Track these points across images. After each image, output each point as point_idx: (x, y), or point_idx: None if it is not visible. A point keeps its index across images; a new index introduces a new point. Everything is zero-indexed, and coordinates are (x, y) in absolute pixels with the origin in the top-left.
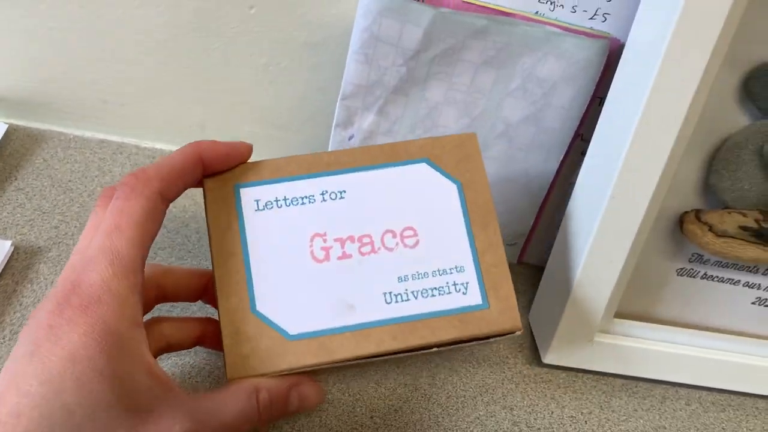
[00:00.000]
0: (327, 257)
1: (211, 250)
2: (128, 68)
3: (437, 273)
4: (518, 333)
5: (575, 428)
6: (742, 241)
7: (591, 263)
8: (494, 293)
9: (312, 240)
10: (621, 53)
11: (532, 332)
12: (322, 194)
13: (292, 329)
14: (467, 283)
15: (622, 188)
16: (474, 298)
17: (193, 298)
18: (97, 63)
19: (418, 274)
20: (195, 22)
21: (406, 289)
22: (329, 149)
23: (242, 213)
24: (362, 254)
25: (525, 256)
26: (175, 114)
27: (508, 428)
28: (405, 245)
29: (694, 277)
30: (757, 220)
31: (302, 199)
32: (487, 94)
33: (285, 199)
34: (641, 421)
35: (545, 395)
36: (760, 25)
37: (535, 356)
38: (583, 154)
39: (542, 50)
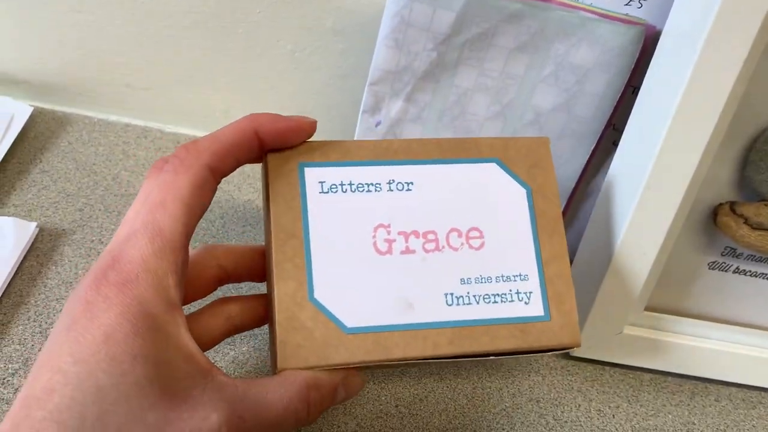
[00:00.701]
0: (390, 250)
1: (268, 229)
2: (153, 53)
3: (501, 279)
4: (576, 348)
5: (602, 422)
6: None
7: (623, 255)
8: (556, 306)
9: (376, 230)
10: (657, 41)
11: None
12: (389, 183)
13: (350, 322)
14: (530, 293)
15: (658, 179)
16: (536, 308)
17: (259, 278)
18: (122, 47)
19: (482, 278)
20: (220, 6)
21: (468, 293)
22: (356, 136)
23: (305, 194)
24: (426, 251)
25: None
26: (199, 99)
27: (534, 420)
28: (470, 246)
29: (726, 271)
30: None
31: (368, 186)
32: (519, 80)
33: (351, 185)
34: (670, 416)
35: (572, 388)
36: None
37: None
38: (615, 143)
39: (576, 36)
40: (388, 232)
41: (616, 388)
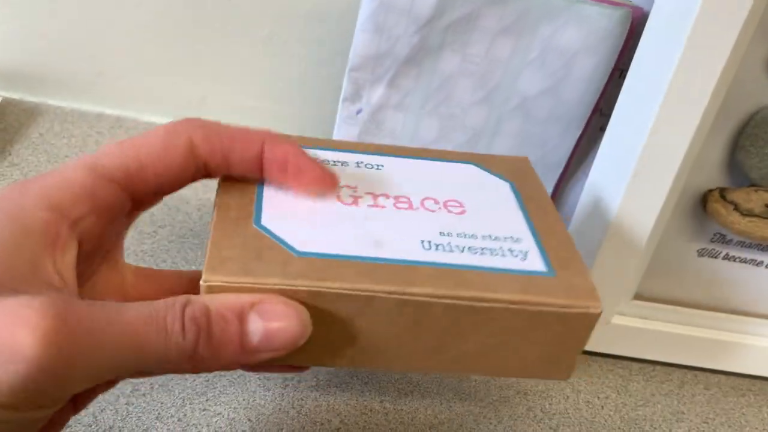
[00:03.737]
0: (356, 203)
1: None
2: (124, 40)
3: (488, 238)
4: (596, 312)
5: (591, 413)
6: None
7: (611, 242)
8: (560, 264)
9: (341, 189)
10: (645, 23)
11: None
12: (357, 163)
13: (302, 246)
14: (527, 251)
15: (646, 165)
16: (536, 264)
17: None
18: (92, 35)
19: (465, 234)
20: None
21: (449, 243)
22: (336, 125)
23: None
24: (397, 208)
25: None
26: (174, 87)
27: (522, 413)
28: (449, 212)
29: (715, 257)
30: None
31: (334, 162)
32: (504, 64)
33: (315, 158)
34: (659, 406)
35: None
36: None
37: None
38: (602, 129)
39: (562, 18)
40: (355, 191)
41: (605, 378)
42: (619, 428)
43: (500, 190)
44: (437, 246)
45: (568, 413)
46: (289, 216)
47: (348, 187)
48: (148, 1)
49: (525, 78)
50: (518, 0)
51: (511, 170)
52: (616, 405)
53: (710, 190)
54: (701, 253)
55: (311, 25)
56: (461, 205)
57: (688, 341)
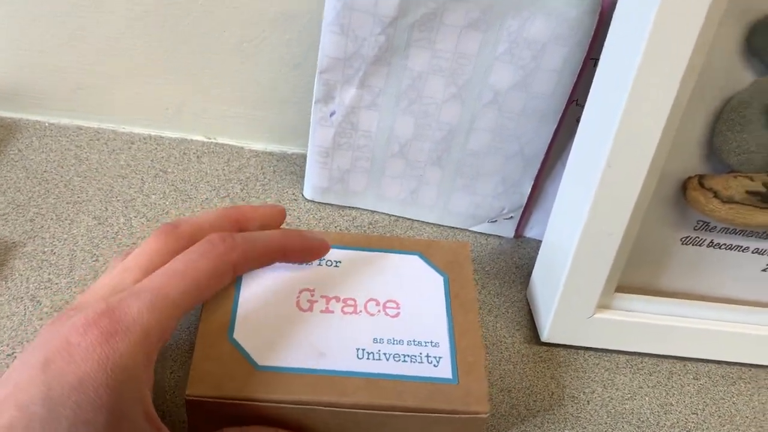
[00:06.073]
0: (311, 309)
1: None
2: (100, 53)
3: (412, 343)
4: (484, 416)
5: (576, 408)
6: (750, 207)
7: (588, 235)
8: (465, 373)
9: (300, 293)
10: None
11: (530, 309)
12: (320, 261)
13: (262, 360)
14: (440, 358)
15: (619, 154)
16: (444, 372)
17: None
18: (66, 48)
19: (394, 340)
20: None
21: (380, 350)
22: (311, 127)
23: None
24: (344, 313)
25: (525, 230)
26: (151, 97)
27: (506, 412)
28: (386, 314)
29: (700, 245)
30: (765, 184)
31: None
32: (474, 59)
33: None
34: (647, 398)
35: (545, 375)
36: None
37: (533, 334)
38: (578, 120)
39: (529, 10)
40: (312, 294)
41: (591, 372)
42: (605, 423)
43: (435, 285)
44: (369, 354)
45: (553, 410)
46: (256, 327)
47: (308, 290)
48: (121, 14)
49: (496, 72)
50: None
51: (450, 260)
52: (603, 399)
53: (690, 178)
54: (685, 242)
55: (280, 29)
56: (398, 306)
57: (675, 332)
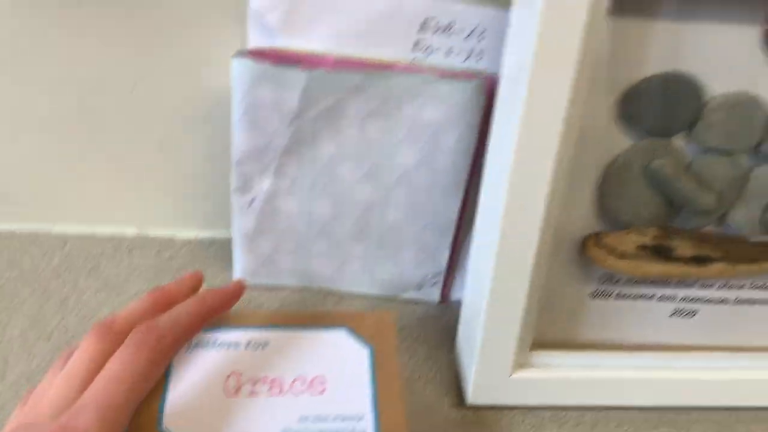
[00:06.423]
0: (238, 394)
1: None
2: (25, 158)
3: (338, 418)
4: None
5: None
6: (645, 259)
7: (495, 297)
8: None
9: (228, 378)
10: None
11: (457, 372)
12: (248, 343)
13: None
14: (364, 431)
15: (510, 222)
16: None
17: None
18: None
19: (319, 417)
20: (81, 102)
21: (306, 429)
22: (233, 215)
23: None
24: (271, 394)
25: (451, 294)
26: (80, 198)
27: None
28: (312, 392)
29: (608, 297)
30: (655, 237)
31: (229, 344)
32: (378, 144)
33: (214, 343)
34: None
35: None
36: (622, 49)
37: (461, 398)
38: None
39: (422, 97)
40: (239, 379)
41: (517, 430)
42: None
43: (360, 358)
44: None
45: None
46: (185, 418)
47: (235, 374)
48: (44, 119)
49: (400, 154)
50: (377, 87)
51: (374, 332)
52: None
53: (588, 236)
54: (594, 295)
55: (197, 126)
56: (324, 382)
57: (595, 382)
